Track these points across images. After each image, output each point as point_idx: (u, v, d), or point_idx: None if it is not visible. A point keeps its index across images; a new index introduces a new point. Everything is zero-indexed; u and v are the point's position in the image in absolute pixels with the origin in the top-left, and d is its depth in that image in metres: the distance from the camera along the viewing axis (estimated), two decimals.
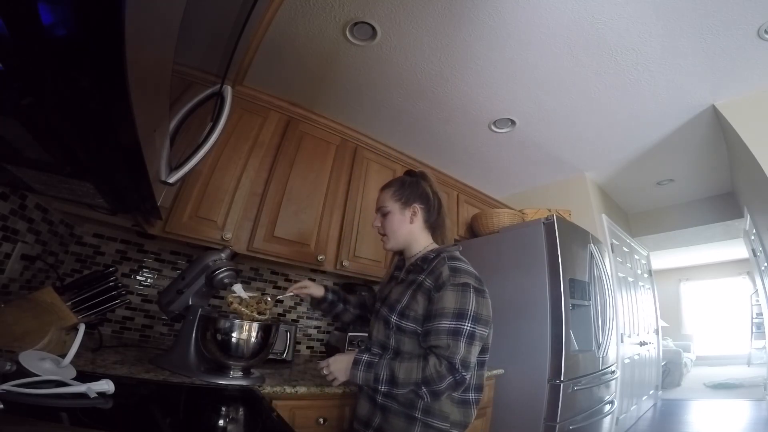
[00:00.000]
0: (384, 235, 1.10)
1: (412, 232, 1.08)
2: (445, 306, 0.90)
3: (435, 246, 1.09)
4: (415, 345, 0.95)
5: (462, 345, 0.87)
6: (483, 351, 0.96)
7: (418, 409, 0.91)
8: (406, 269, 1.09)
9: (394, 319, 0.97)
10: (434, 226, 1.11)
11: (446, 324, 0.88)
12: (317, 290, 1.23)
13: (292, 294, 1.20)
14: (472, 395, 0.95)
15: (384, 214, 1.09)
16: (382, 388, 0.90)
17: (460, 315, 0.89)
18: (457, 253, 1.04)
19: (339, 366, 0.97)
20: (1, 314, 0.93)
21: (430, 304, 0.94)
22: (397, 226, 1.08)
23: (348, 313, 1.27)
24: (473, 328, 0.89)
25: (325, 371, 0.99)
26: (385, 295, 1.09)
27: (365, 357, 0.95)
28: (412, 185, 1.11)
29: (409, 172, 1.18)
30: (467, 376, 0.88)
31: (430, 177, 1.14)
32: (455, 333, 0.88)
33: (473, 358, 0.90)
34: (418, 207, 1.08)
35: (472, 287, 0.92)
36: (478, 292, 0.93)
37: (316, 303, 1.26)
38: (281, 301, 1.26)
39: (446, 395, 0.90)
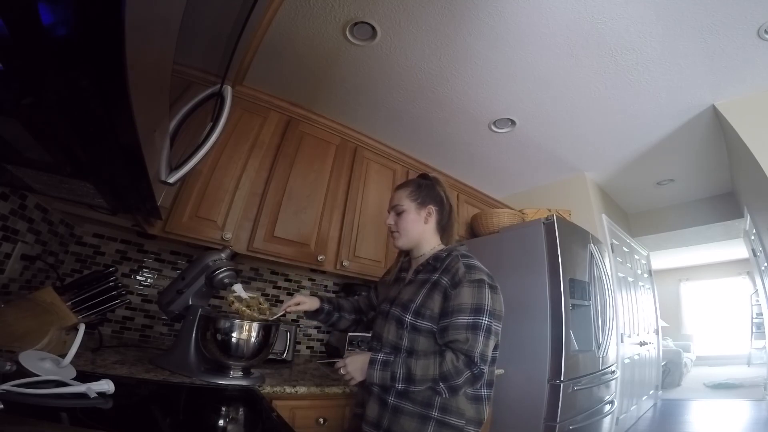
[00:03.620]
0: (396, 232, 1.12)
1: (424, 232, 1.11)
2: (462, 302, 0.92)
3: (443, 246, 1.11)
4: (430, 344, 0.95)
5: (481, 339, 0.89)
6: (494, 347, 0.97)
7: (434, 408, 0.91)
8: (415, 269, 1.09)
9: (408, 318, 0.97)
10: (444, 228, 1.13)
11: (465, 319, 0.90)
12: (312, 304, 1.20)
13: (283, 313, 1.18)
14: (484, 391, 0.96)
15: (398, 213, 1.11)
16: (399, 386, 0.90)
17: (477, 310, 0.91)
18: (466, 251, 1.06)
19: (355, 366, 0.97)
20: (1, 314, 0.93)
21: (446, 302, 0.95)
22: (411, 225, 1.09)
23: (344, 320, 1.26)
24: (490, 322, 0.91)
25: (342, 371, 0.99)
26: (393, 296, 1.08)
27: (381, 356, 0.96)
28: (428, 188, 1.13)
29: (424, 176, 1.20)
30: (485, 370, 0.90)
31: (443, 182, 1.17)
32: (474, 327, 0.89)
33: (490, 352, 0.92)
34: (433, 209, 1.11)
35: (487, 284, 0.95)
36: (492, 288, 0.96)
37: (311, 315, 1.23)
38: (279, 319, 1.23)
39: (463, 391, 0.91)
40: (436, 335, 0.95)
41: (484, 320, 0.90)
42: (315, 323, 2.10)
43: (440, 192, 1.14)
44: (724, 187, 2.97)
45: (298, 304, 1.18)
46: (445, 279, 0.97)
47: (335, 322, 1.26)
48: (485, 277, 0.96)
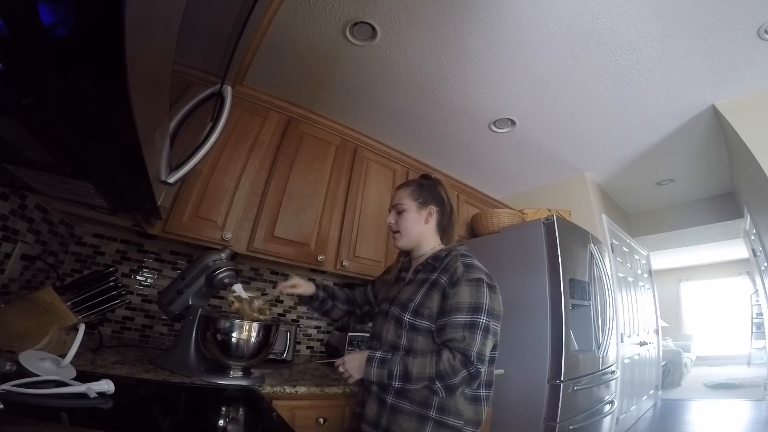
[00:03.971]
0: (397, 232, 1.11)
1: (424, 232, 1.11)
2: (460, 301, 0.92)
3: (443, 246, 1.12)
4: (428, 343, 0.95)
5: (478, 338, 0.89)
6: (493, 347, 0.96)
7: (432, 408, 0.91)
8: (415, 269, 1.09)
9: (407, 318, 0.97)
10: (445, 229, 1.13)
11: (462, 318, 0.90)
12: (307, 289, 1.21)
13: (279, 293, 1.19)
14: (483, 392, 0.96)
15: (399, 212, 1.11)
16: (396, 384, 0.90)
17: (475, 309, 0.91)
18: (466, 251, 1.07)
19: (354, 364, 0.97)
20: (1, 314, 0.93)
21: (444, 301, 0.95)
22: (412, 224, 1.09)
23: (337, 309, 1.27)
24: (488, 321, 0.91)
25: (341, 369, 0.99)
26: (392, 295, 1.08)
27: (378, 354, 0.96)
28: (430, 188, 1.13)
29: (426, 176, 1.20)
30: (482, 369, 0.89)
31: (445, 183, 1.18)
32: (471, 326, 0.89)
33: (488, 352, 0.92)
34: (434, 209, 1.11)
35: (485, 283, 0.95)
36: (491, 287, 0.96)
37: (306, 300, 1.25)
38: (276, 300, 1.23)
39: (460, 391, 0.91)
40: (434, 334, 0.95)
41: (482, 319, 0.90)
42: (315, 323, 2.10)
43: (441, 193, 1.14)
44: (724, 187, 2.97)
45: (294, 286, 1.19)
46: (444, 278, 0.97)
47: (328, 311, 1.26)
48: (484, 277, 0.96)
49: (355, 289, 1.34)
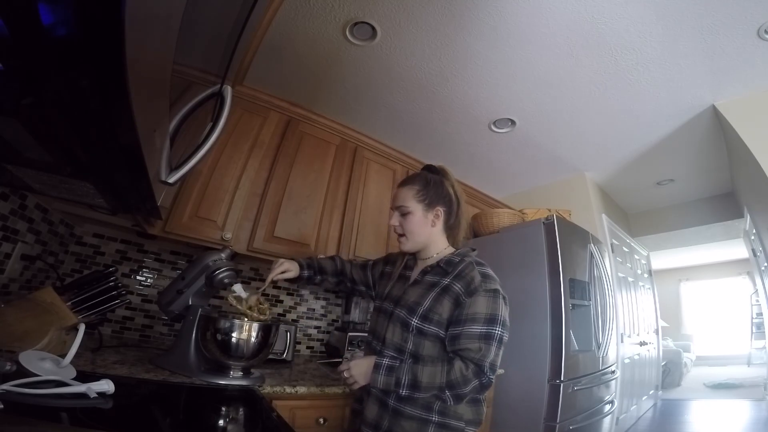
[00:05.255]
0: (402, 235, 1.06)
1: (432, 235, 1.06)
2: (477, 311, 0.91)
3: (451, 248, 1.08)
4: (435, 349, 0.94)
5: (493, 349, 0.89)
6: None
7: (434, 412, 0.91)
8: (422, 270, 1.05)
9: (415, 322, 0.95)
10: (452, 227, 1.09)
11: (478, 328, 0.90)
12: (295, 271, 1.20)
13: (271, 281, 1.16)
14: (481, 394, 0.96)
15: (404, 214, 1.05)
16: (404, 393, 0.89)
17: (491, 320, 0.90)
18: (479, 258, 1.04)
19: (359, 370, 0.95)
20: (1, 314, 0.93)
21: (457, 309, 0.93)
22: (419, 228, 1.04)
23: (327, 282, 1.27)
24: (502, 332, 0.91)
25: (345, 374, 0.97)
26: (396, 295, 1.05)
27: (386, 361, 0.94)
28: (437, 185, 1.06)
29: (431, 168, 1.12)
30: (493, 379, 0.89)
31: (450, 172, 1.11)
32: (487, 337, 0.89)
33: (499, 362, 0.92)
34: (441, 210, 1.05)
35: (501, 294, 0.94)
36: (504, 298, 0.95)
37: (293, 280, 1.23)
38: (265, 294, 1.21)
39: (468, 398, 0.91)
40: (443, 341, 0.94)
41: (498, 331, 0.90)
42: (315, 323, 2.10)
43: (449, 189, 1.07)
44: (724, 187, 2.97)
45: (285, 272, 1.17)
46: (458, 285, 0.95)
47: (317, 284, 1.27)
48: (499, 288, 0.95)
49: (353, 265, 1.30)
